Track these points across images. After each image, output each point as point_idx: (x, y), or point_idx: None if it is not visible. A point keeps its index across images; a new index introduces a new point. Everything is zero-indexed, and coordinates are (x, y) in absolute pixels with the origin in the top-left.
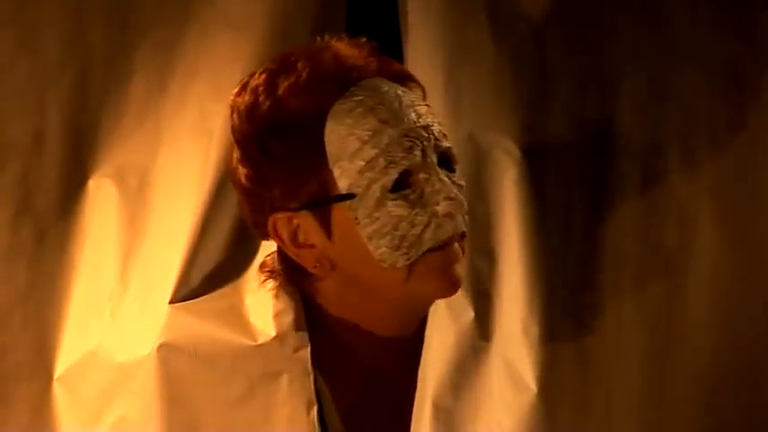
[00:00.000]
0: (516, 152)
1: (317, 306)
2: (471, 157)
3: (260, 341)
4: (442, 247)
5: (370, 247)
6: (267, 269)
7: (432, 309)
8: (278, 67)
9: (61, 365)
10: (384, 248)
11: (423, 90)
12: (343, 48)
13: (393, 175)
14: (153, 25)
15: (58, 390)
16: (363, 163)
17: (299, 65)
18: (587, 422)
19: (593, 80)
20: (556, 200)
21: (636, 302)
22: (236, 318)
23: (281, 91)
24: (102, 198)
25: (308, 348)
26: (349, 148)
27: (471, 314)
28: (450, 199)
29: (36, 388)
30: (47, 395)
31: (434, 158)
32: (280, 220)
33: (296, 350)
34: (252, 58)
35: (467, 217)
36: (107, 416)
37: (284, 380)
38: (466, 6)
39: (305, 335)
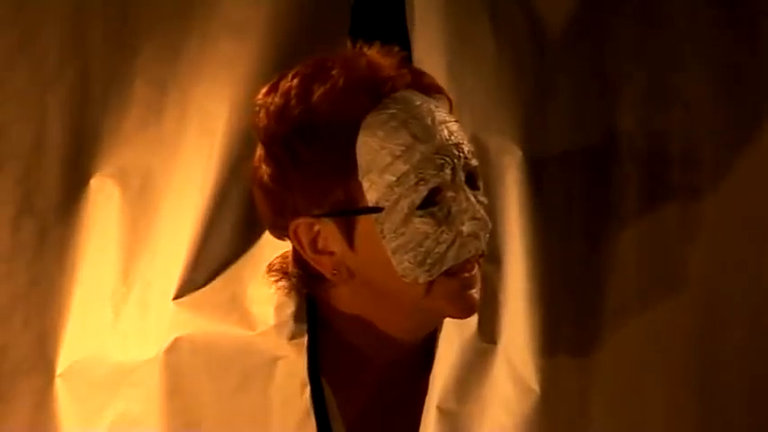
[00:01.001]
0: (518, 153)
1: (329, 311)
2: None
3: (258, 330)
4: (462, 270)
5: (394, 261)
6: (277, 270)
7: None
8: (312, 72)
9: (63, 362)
10: (407, 263)
11: (450, 103)
12: (377, 57)
13: (423, 192)
14: (154, 28)
15: (59, 386)
16: (394, 178)
17: (335, 72)
18: (590, 426)
19: (595, 81)
20: (558, 201)
21: (638, 306)
22: (238, 309)
23: (315, 97)
24: (103, 198)
25: (305, 338)
26: (380, 162)
27: (476, 317)
28: (476, 219)
29: (38, 384)
30: (49, 392)
31: (463, 177)
32: (301, 225)
33: (292, 338)
34: (253, 63)
35: (488, 236)
36: (109, 412)
37: (279, 366)
38: (468, 7)
39: (303, 326)
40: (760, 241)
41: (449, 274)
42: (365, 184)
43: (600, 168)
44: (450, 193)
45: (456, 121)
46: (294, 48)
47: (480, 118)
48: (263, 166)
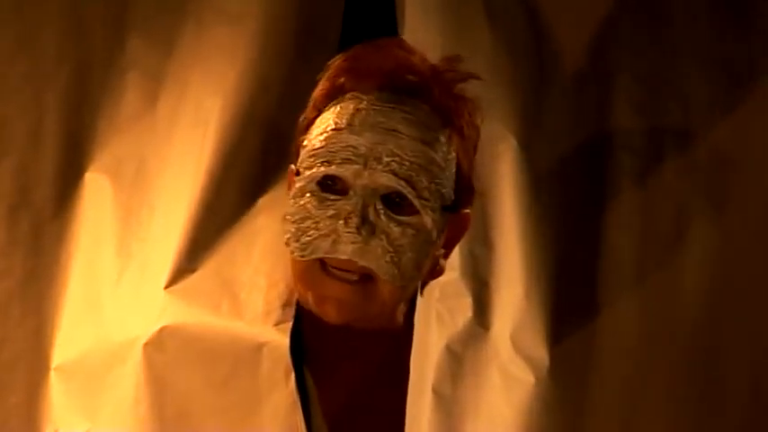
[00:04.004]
0: (512, 141)
1: None
2: None
3: (247, 318)
4: (336, 273)
5: (284, 226)
6: None
7: (430, 296)
8: (355, 47)
9: (58, 355)
10: (288, 233)
11: (472, 140)
12: (420, 62)
13: (320, 173)
14: (149, 21)
15: (55, 379)
16: (311, 148)
17: (358, 50)
18: (585, 410)
19: (591, 71)
20: (552, 189)
21: (633, 293)
22: (228, 297)
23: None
24: (98, 191)
25: (290, 322)
26: (314, 131)
27: (470, 302)
28: (346, 224)
29: (34, 378)
30: (44, 385)
31: (366, 183)
32: (291, 170)
33: (277, 323)
34: (247, 53)
35: (390, 262)
36: (103, 404)
37: (264, 353)
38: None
39: (290, 310)
40: (754, 233)
41: (324, 268)
42: (301, 144)
43: (595, 157)
44: (350, 192)
45: (426, 148)
46: (289, 37)
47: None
48: None
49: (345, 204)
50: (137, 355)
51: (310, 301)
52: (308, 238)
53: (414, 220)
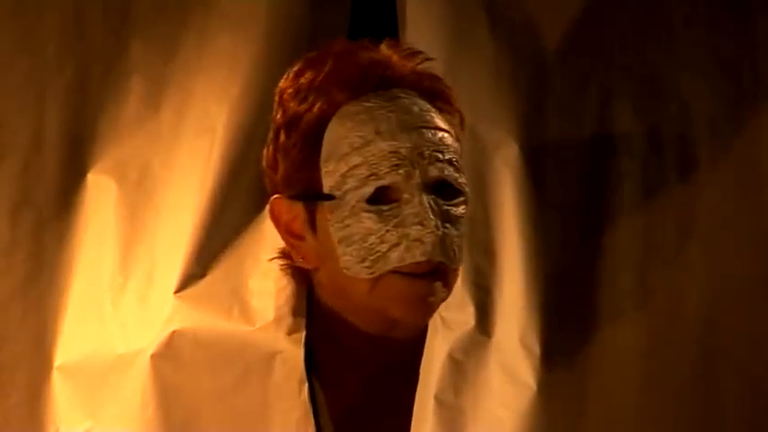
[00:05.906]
0: (515, 147)
1: (317, 304)
2: (470, 153)
3: (258, 325)
4: (416, 275)
5: (338, 252)
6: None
7: None
8: (310, 60)
9: (61, 355)
10: (349, 257)
11: (460, 116)
12: (386, 52)
13: (371, 187)
14: (152, 25)
15: (57, 379)
16: (347, 168)
17: (328, 62)
18: (586, 419)
19: (593, 78)
20: (554, 196)
21: (634, 298)
22: (238, 303)
23: (300, 85)
24: (101, 192)
25: (303, 332)
26: (339, 151)
27: (472, 310)
28: (422, 225)
29: (36, 377)
30: (46, 384)
31: (420, 181)
32: (279, 202)
33: (290, 332)
34: (251, 59)
35: (456, 250)
36: (106, 405)
37: (278, 361)
38: (464, 3)
39: (302, 320)
40: (757, 237)
41: (399, 274)
42: (323, 170)
43: (596, 163)
44: (405, 195)
45: (444, 131)
46: (293, 43)
47: (478, 114)
48: (265, 148)
49: (406, 209)
50: (144, 358)
51: (389, 313)
52: (377, 254)
53: (460, 201)
